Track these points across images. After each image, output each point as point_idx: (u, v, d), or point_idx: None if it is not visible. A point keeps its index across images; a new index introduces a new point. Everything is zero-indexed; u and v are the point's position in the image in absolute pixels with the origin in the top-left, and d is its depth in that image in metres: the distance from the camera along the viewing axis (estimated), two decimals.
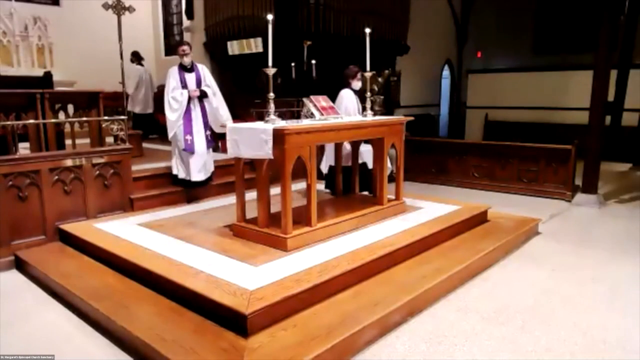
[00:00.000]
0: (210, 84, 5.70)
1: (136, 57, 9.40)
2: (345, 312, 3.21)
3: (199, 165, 5.59)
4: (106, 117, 5.62)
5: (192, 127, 5.54)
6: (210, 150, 5.77)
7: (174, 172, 5.67)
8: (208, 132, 5.64)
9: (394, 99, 9.31)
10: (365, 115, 5.17)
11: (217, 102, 5.67)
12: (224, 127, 4.41)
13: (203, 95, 5.59)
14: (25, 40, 9.82)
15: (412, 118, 5.45)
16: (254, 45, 9.06)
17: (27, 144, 5.14)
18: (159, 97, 9.62)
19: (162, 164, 6.12)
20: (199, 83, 5.62)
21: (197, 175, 5.60)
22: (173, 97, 5.47)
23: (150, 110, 9.58)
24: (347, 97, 5.49)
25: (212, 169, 5.83)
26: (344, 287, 3.54)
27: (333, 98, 4.96)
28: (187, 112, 5.52)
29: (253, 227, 4.23)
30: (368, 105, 5.23)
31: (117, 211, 5.22)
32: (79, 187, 4.91)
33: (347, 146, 5.47)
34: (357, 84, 5.57)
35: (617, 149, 10.18)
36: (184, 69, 5.60)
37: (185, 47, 5.58)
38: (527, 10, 13.60)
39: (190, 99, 5.51)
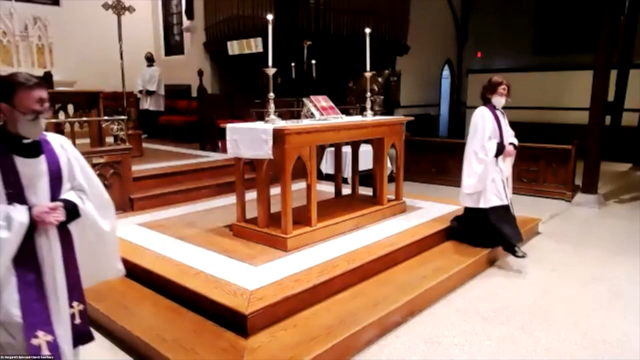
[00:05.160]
0: (82, 182, 2.20)
1: (147, 59, 10.04)
2: (345, 312, 3.21)
3: None
4: (106, 117, 5.63)
5: (44, 302, 2.02)
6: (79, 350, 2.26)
7: None
8: (76, 308, 2.15)
9: (394, 99, 9.28)
10: (366, 115, 5.18)
11: (97, 222, 2.23)
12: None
13: (70, 218, 2.10)
14: (25, 40, 9.79)
15: (412, 118, 5.45)
16: (254, 45, 9.04)
17: None
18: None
19: (162, 164, 6.12)
20: (55, 183, 2.10)
21: None
22: None
23: (162, 109, 10.22)
24: (482, 117, 4.27)
25: None
26: (344, 287, 3.54)
27: (333, 98, 4.95)
28: (25, 263, 1.99)
29: (253, 227, 4.23)
30: (368, 105, 5.24)
31: (117, 211, 5.13)
32: None
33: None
34: (498, 100, 4.29)
35: (617, 149, 10.18)
36: (14, 147, 1.99)
37: None
38: (527, 10, 13.58)
39: (34, 228, 1.98)
